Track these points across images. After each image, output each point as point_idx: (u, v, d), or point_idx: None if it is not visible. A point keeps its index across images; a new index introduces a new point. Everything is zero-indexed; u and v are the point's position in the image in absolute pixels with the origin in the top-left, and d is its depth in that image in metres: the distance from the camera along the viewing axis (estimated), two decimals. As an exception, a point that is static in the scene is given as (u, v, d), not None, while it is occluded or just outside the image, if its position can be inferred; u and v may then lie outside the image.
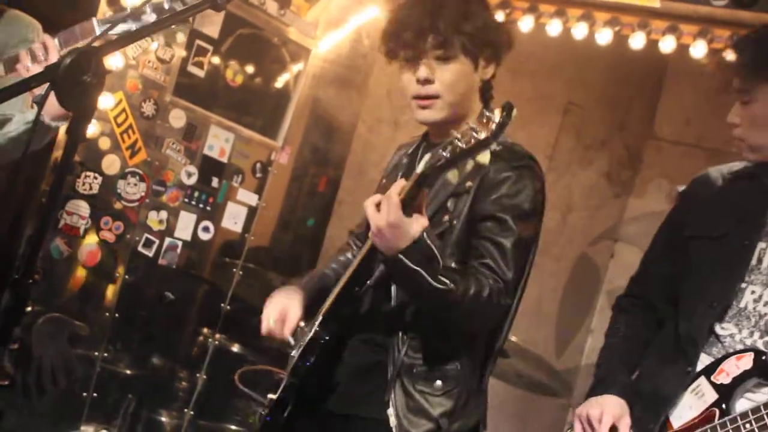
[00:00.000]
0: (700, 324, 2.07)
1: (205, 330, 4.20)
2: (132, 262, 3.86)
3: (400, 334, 2.04)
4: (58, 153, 3.34)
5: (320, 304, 2.15)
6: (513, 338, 3.60)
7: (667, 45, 3.74)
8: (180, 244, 4.02)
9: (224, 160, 4.10)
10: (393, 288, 2.06)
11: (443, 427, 2.02)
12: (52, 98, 1.47)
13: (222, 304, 4.19)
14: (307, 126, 4.42)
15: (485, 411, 2.15)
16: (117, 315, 3.83)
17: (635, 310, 2.29)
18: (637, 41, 3.77)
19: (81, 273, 3.71)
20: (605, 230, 5.15)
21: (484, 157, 1.73)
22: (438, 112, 2.06)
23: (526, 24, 3.95)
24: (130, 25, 2.17)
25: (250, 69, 4.18)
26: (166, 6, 2.13)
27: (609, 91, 4.91)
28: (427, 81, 2.03)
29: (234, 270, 4.22)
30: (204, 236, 4.10)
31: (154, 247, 3.93)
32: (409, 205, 1.81)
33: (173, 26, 2.14)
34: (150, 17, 2.15)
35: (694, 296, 2.12)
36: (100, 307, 3.80)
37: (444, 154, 1.73)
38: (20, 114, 2.61)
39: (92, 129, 3.61)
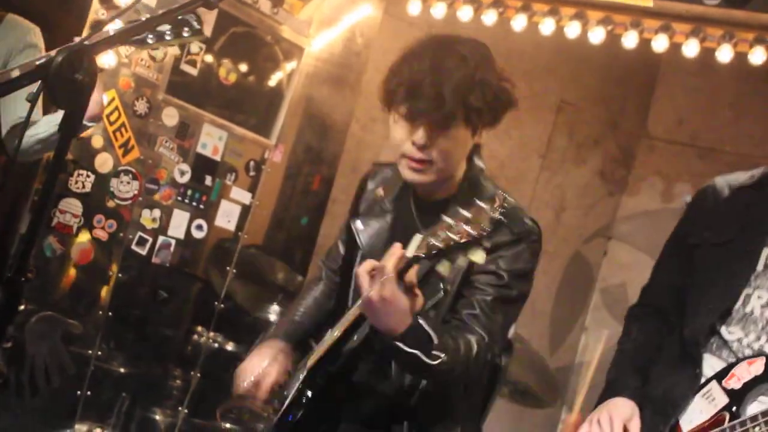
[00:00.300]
0: (701, 326, 2.08)
1: (199, 328, 4.19)
2: (125, 260, 3.85)
3: (399, 409, 2.01)
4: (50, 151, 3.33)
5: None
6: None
7: (660, 44, 3.75)
8: (173, 242, 4.01)
9: (217, 158, 4.10)
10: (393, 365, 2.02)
11: None
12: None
13: (215, 303, 4.19)
14: (300, 124, 4.42)
15: None
16: (110, 313, 3.83)
17: (647, 318, 2.30)
18: (629, 40, 3.78)
19: (74, 271, 3.70)
20: (599, 228, 5.17)
21: (477, 256, 1.70)
22: (428, 176, 1.98)
23: (519, 23, 3.95)
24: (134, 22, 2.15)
25: (243, 67, 4.18)
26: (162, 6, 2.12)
27: (602, 90, 4.93)
28: (424, 146, 1.94)
29: (227, 268, 4.22)
30: (197, 234, 4.10)
31: (148, 245, 3.92)
32: (400, 277, 1.77)
33: (187, 36, 2.10)
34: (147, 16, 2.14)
35: (698, 301, 2.13)
36: (94, 306, 3.79)
37: (436, 242, 1.69)
38: (47, 116, 2.62)
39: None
